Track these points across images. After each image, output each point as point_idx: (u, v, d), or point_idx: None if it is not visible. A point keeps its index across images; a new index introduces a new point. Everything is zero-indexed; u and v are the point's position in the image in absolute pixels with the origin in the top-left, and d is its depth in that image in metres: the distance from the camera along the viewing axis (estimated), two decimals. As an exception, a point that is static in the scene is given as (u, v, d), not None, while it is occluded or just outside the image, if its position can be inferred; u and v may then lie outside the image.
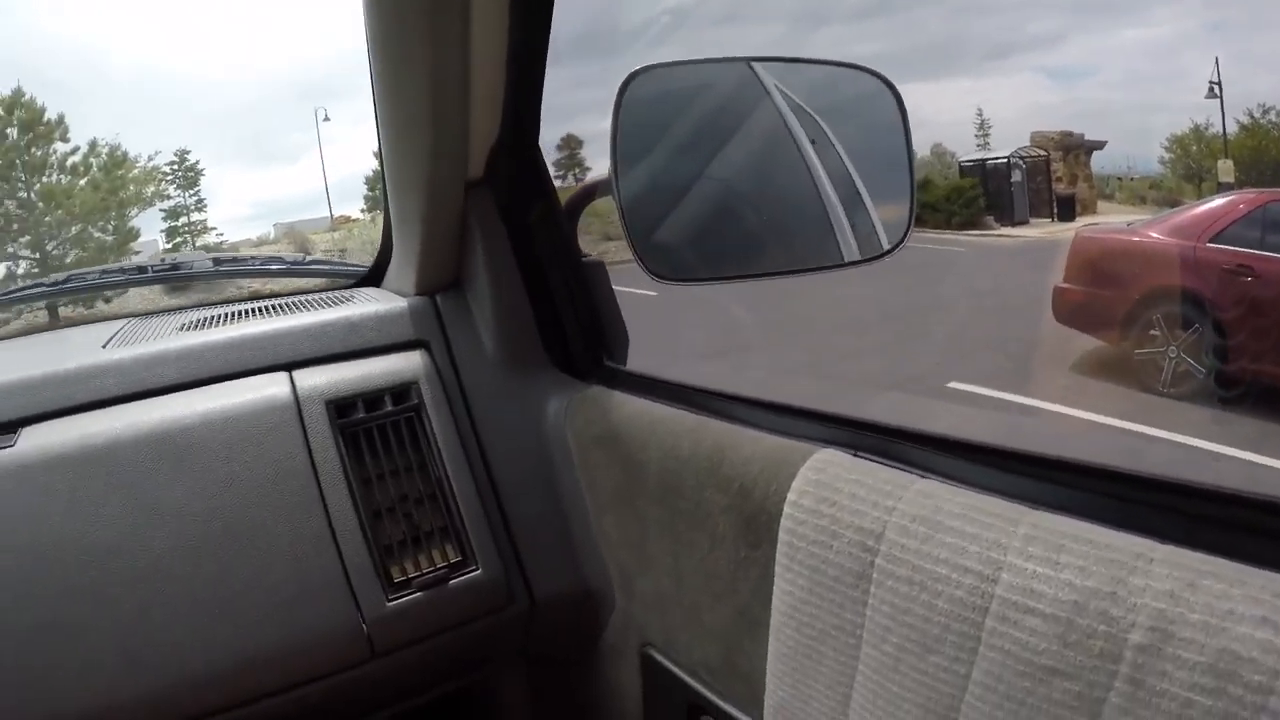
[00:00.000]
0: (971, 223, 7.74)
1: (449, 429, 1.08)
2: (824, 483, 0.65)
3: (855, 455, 0.68)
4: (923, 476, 0.62)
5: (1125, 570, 0.46)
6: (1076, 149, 8.18)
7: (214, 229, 19.91)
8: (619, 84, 0.85)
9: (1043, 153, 7.95)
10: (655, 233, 0.90)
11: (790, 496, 0.67)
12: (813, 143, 0.95)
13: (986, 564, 0.52)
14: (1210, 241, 5.81)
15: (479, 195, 1.11)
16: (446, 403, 1.10)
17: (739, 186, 0.97)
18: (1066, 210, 7.66)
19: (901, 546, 0.58)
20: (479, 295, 1.16)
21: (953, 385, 4.41)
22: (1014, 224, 7.64)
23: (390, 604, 0.97)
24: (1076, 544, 0.49)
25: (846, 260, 0.93)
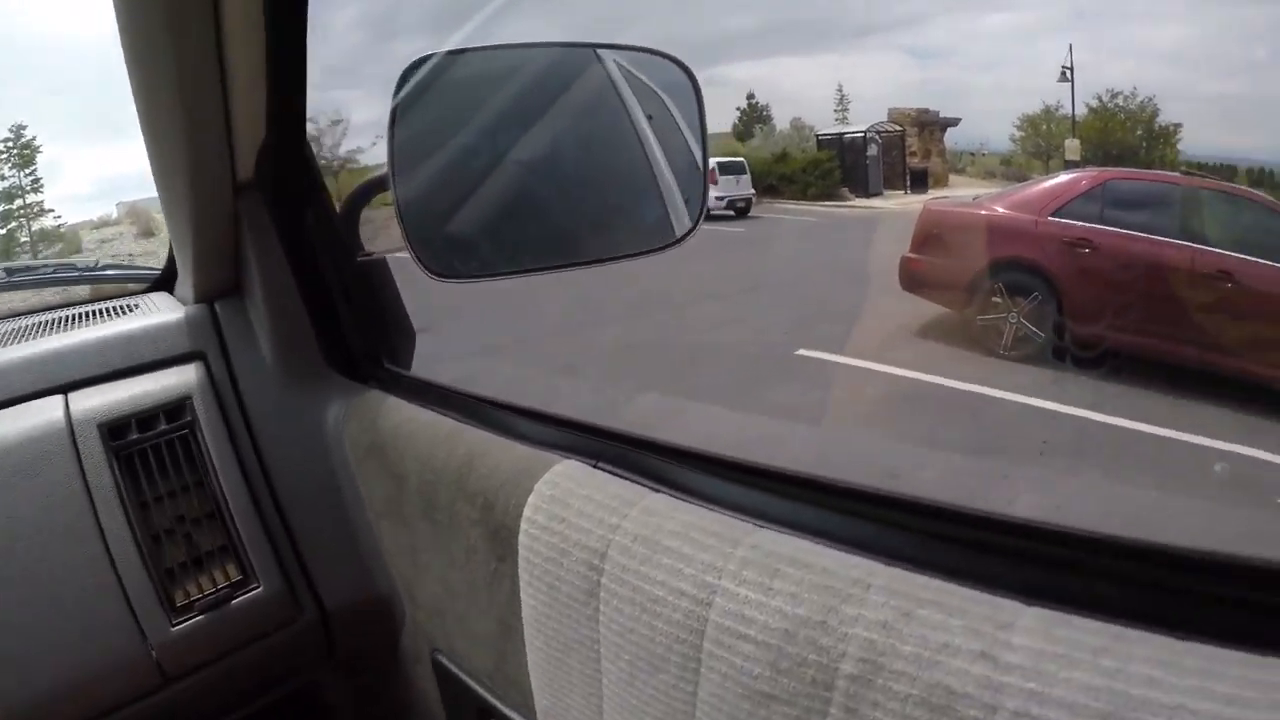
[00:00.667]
0: (827, 194, 7.88)
1: (224, 444, 1.07)
2: (557, 498, 0.67)
3: (594, 466, 0.70)
4: (654, 490, 0.64)
5: (839, 599, 0.46)
6: (931, 125, 8.45)
7: (51, 210, 18.56)
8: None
9: (899, 128, 8.17)
10: (442, 229, 0.87)
11: (526, 512, 0.69)
12: (650, 118, 0.94)
13: (701, 588, 0.53)
14: (1052, 216, 6.04)
15: (249, 198, 1.09)
16: (222, 417, 1.09)
17: (552, 175, 0.94)
18: (919, 183, 7.92)
19: (623, 567, 0.59)
20: (255, 301, 1.14)
21: (801, 353, 4.45)
22: (868, 196, 7.82)
23: (175, 628, 0.96)
24: (793, 569, 0.49)
25: (666, 243, 0.90)
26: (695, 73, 0.88)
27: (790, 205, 7.73)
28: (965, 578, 0.44)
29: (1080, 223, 6.05)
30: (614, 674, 0.60)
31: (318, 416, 1.11)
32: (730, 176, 7.05)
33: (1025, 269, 5.65)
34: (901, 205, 7.32)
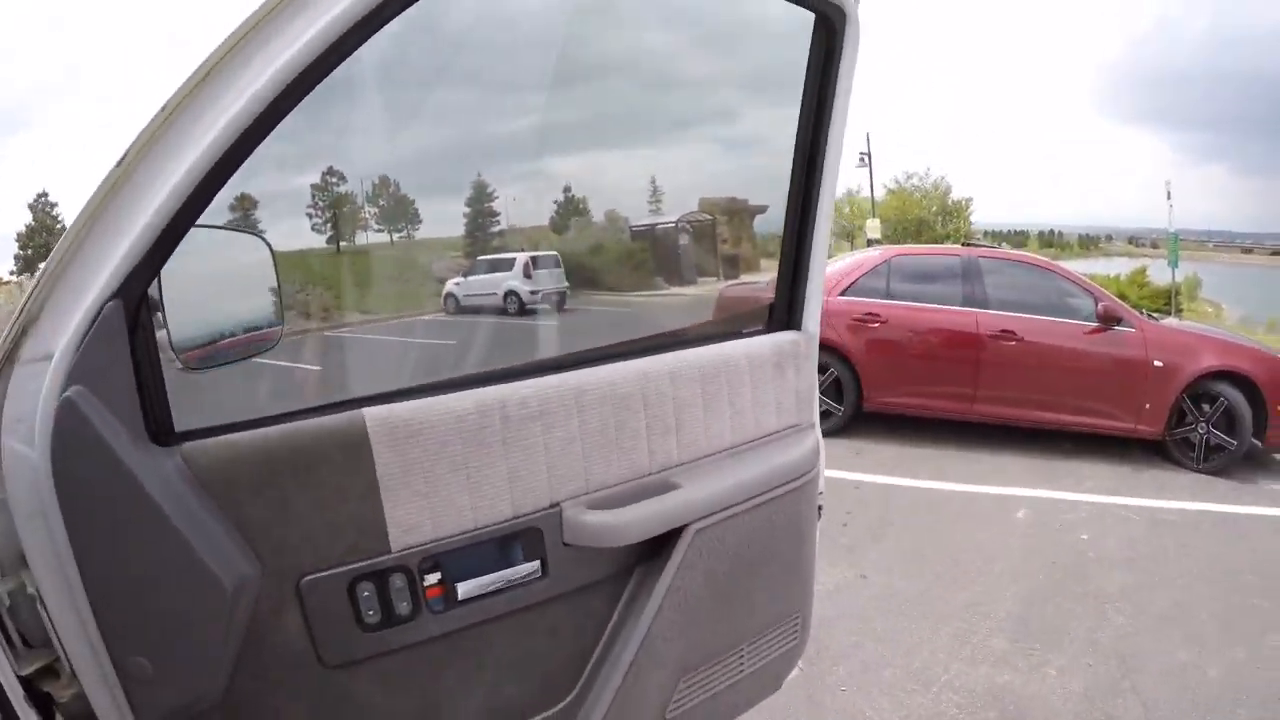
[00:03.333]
0: (642, 284, 8.09)
1: None
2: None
3: None
4: None
5: None
6: (740, 213, 8.82)
7: None
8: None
9: (709, 217, 8.48)
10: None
11: None
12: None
13: None
14: (841, 294, 6.50)
15: None
16: None
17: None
18: (731, 269, 8.20)
19: None
20: None
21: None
22: (682, 284, 8.06)
23: None
24: None
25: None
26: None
27: (606, 296, 7.95)
28: None
29: (869, 299, 6.54)
30: None
31: None
32: (544, 270, 7.16)
33: (820, 348, 5.92)
34: (713, 290, 7.59)
